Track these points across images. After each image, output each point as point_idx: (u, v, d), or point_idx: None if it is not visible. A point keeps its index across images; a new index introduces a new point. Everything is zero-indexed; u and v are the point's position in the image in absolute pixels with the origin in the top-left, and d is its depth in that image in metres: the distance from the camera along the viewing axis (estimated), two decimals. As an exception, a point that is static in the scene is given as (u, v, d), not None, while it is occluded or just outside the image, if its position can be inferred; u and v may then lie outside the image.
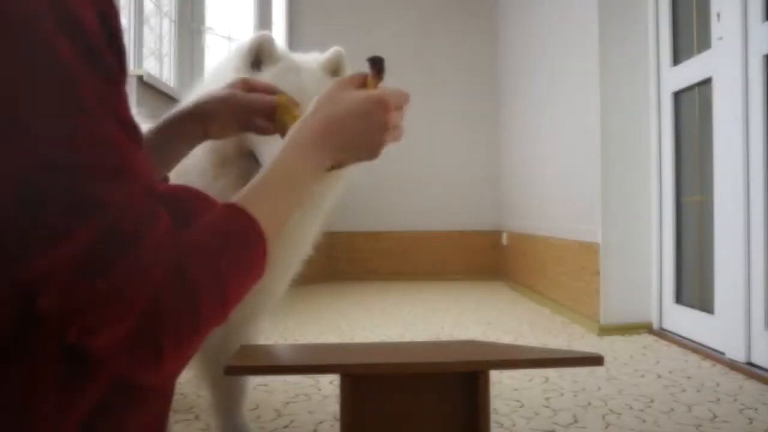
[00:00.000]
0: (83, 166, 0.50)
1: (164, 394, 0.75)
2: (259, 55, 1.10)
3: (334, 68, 1.16)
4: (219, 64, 1.18)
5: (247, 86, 0.97)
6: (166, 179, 1.00)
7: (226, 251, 0.60)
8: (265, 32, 1.12)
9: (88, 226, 0.50)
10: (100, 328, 0.51)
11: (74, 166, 0.50)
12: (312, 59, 1.18)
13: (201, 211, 0.70)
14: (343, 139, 0.74)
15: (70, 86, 0.50)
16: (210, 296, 0.57)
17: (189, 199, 0.73)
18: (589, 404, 1.57)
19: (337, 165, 0.75)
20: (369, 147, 0.77)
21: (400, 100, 0.79)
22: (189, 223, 0.66)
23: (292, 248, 1.17)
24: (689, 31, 2.32)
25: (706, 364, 1.96)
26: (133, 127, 0.56)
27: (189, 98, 1.09)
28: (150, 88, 2.58)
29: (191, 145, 0.97)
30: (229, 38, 3.94)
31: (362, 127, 0.75)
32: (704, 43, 2.20)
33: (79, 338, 0.52)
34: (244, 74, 1.08)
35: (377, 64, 0.81)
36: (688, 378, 1.80)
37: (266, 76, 1.09)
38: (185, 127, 0.95)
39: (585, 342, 2.33)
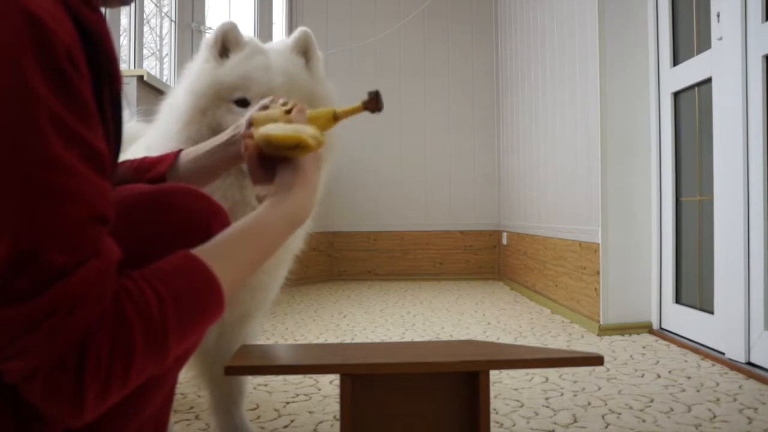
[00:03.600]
0: (12, 181, 0.48)
1: (166, 387, 0.75)
2: (225, 44, 1.12)
3: (302, 48, 1.17)
4: (193, 59, 1.21)
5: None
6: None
7: (176, 304, 0.57)
8: (228, 21, 1.13)
9: (4, 245, 0.47)
10: (11, 354, 0.49)
11: (5, 178, 0.48)
12: (279, 42, 1.19)
13: (210, 220, 0.70)
14: (307, 211, 0.79)
15: (22, 102, 0.49)
16: (148, 349, 0.54)
17: (187, 206, 0.72)
18: (589, 404, 1.57)
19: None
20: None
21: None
22: (184, 230, 0.66)
23: (285, 244, 1.17)
24: (689, 31, 2.32)
25: (706, 363, 1.96)
26: (95, 153, 0.53)
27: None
28: (150, 88, 2.58)
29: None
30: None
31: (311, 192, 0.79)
32: (704, 43, 2.20)
33: None
34: (213, 64, 1.11)
35: (373, 100, 0.84)
36: (688, 378, 1.80)
37: (233, 62, 1.10)
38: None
39: (585, 342, 2.33)
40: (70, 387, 0.50)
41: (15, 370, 0.50)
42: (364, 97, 0.83)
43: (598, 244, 2.49)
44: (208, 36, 1.15)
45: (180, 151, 0.98)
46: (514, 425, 1.43)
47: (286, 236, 0.74)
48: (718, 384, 1.73)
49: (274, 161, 0.79)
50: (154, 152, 1.10)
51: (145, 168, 0.95)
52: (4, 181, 0.48)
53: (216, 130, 1.08)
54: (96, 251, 0.52)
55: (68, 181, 0.50)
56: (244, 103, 1.09)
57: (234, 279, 0.65)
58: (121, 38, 2.92)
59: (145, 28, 3.14)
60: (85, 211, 0.52)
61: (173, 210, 0.70)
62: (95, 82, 0.59)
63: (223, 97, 1.09)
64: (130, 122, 1.51)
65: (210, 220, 0.71)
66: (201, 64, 1.13)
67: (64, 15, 0.54)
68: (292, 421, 1.46)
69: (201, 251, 0.63)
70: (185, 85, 1.13)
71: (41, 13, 0.50)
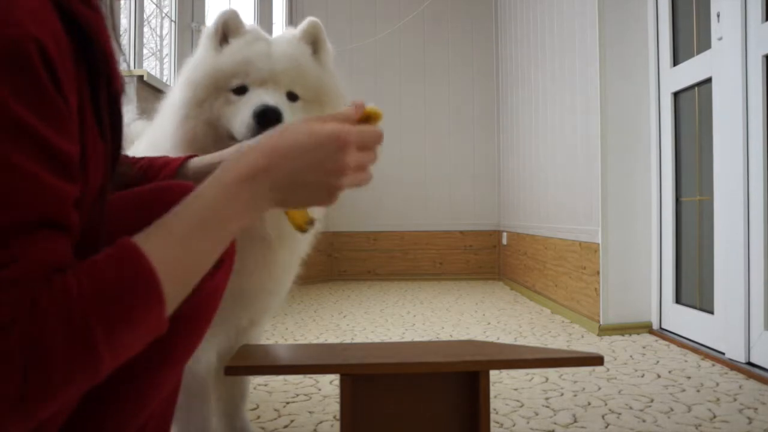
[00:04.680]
0: None
1: (168, 386, 0.75)
2: (225, 32, 1.06)
3: (310, 39, 1.10)
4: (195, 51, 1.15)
5: None
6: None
7: (103, 305, 0.51)
8: (229, 8, 1.07)
9: None
10: None
11: None
12: (286, 31, 1.14)
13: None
14: (285, 176, 0.63)
15: None
16: (70, 354, 0.49)
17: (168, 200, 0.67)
18: (589, 404, 1.57)
19: (281, 205, 0.66)
20: (320, 189, 0.65)
21: (367, 139, 0.67)
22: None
23: (291, 249, 1.14)
24: (689, 31, 2.32)
25: (706, 363, 1.96)
26: (55, 154, 0.51)
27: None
28: (150, 88, 2.58)
29: None
30: (229, 38, 3.93)
31: (310, 165, 0.64)
32: (704, 44, 2.20)
33: None
34: (213, 53, 1.05)
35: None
36: (688, 378, 1.80)
37: (232, 48, 1.04)
38: None
39: (585, 342, 2.33)
40: None
41: None
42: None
43: (598, 244, 2.49)
44: (209, 26, 1.10)
45: (191, 156, 0.95)
46: (514, 425, 1.43)
47: (234, 194, 0.61)
48: (718, 384, 1.73)
49: None
50: (156, 151, 1.08)
51: (154, 171, 0.93)
52: None
53: (214, 125, 1.03)
54: (16, 258, 0.48)
55: (12, 181, 0.48)
56: (242, 90, 1.02)
57: (177, 260, 0.57)
58: (122, 38, 2.92)
59: (145, 28, 3.14)
60: (16, 214, 0.48)
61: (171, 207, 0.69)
62: (92, 81, 0.59)
63: (222, 86, 1.03)
64: (136, 122, 1.49)
65: None
66: (203, 53, 1.07)
67: (49, 10, 0.52)
68: (292, 421, 1.46)
69: (139, 236, 0.56)
70: (182, 77, 1.07)
71: (6, 5, 0.49)
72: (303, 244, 1.20)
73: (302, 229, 0.77)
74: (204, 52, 1.07)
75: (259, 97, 0.99)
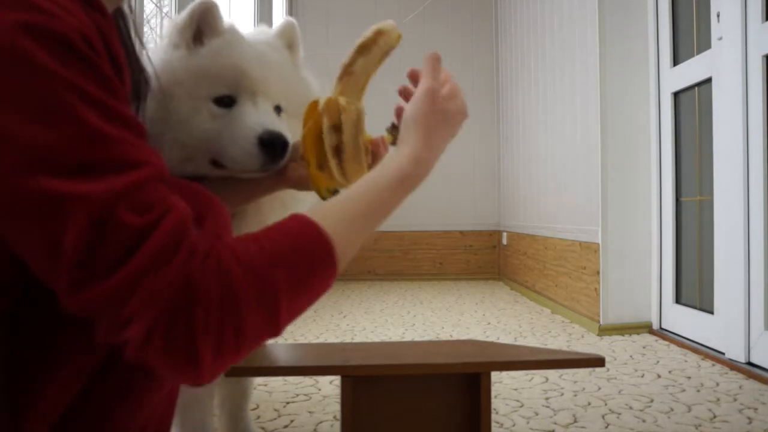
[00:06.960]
0: (64, 163, 0.49)
1: (168, 385, 0.75)
2: (201, 28, 0.90)
3: (288, 42, 1.01)
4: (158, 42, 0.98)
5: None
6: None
7: (281, 256, 0.57)
8: (206, 0, 0.91)
9: (73, 223, 0.48)
10: (123, 323, 0.50)
11: (55, 165, 0.49)
12: (260, 31, 1.03)
13: (205, 209, 0.69)
14: (436, 148, 0.81)
15: (41, 86, 0.49)
16: (254, 299, 0.53)
17: (196, 194, 0.69)
18: (589, 404, 1.57)
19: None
20: (453, 133, 0.83)
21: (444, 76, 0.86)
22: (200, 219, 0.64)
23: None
24: (689, 31, 2.32)
25: (706, 363, 1.96)
26: (132, 123, 0.54)
27: None
28: (150, 88, 2.57)
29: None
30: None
31: (445, 126, 0.81)
32: (704, 43, 2.20)
33: (106, 337, 0.51)
34: (185, 50, 0.89)
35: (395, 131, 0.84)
36: (688, 378, 1.80)
37: (213, 48, 0.89)
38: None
39: (585, 342, 2.33)
40: (183, 343, 0.50)
41: (132, 337, 0.50)
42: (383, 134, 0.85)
43: (598, 244, 2.49)
44: (179, 17, 0.91)
45: None
46: (514, 425, 1.43)
47: (398, 193, 0.73)
48: (718, 384, 1.73)
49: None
50: None
51: None
52: (63, 162, 0.49)
53: (188, 144, 0.88)
54: (169, 207, 0.52)
55: (114, 149, 0.51)
56: (227, 102, 0.88)
57: (346, 234, 0.64)
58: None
59: (145, 28, 3.14)
60: (147, 172, 0.52)
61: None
62: None
63: (197, 95, 0.87)
64: None
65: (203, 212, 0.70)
66: (171, 51, 0.89)
67: (79, 8, 0.54)
68: (292, 421, 1.46)
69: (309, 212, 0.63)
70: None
71: (43, 3, 0.50)
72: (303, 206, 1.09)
73: (322, 195, 0.82)
74: (172, 50, 0.89)
75: (255, 117, 0.88)
